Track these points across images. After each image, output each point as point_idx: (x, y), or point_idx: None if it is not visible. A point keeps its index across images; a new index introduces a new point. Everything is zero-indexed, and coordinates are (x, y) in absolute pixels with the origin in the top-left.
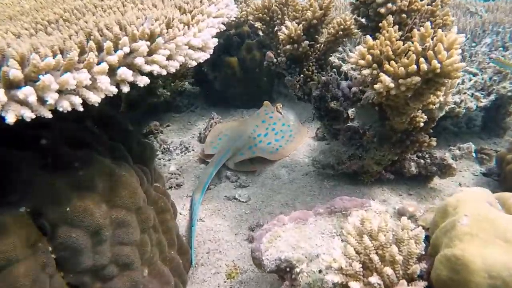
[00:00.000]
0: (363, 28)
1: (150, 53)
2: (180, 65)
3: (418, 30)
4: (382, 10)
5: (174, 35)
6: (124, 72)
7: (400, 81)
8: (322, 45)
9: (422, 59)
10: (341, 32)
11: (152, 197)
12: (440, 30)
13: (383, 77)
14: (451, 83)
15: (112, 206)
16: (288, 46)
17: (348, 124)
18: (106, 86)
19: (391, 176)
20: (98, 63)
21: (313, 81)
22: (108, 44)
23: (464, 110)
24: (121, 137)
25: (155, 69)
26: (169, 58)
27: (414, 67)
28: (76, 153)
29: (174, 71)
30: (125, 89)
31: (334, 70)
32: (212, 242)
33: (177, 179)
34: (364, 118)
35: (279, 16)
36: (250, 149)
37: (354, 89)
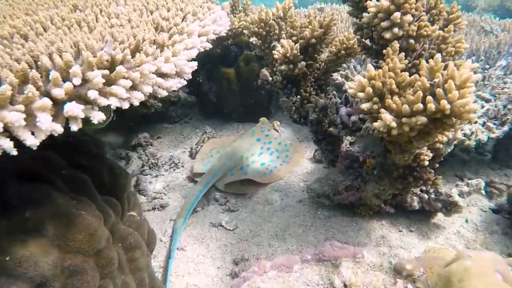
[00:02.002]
0: (366, 50)
1: (110, 83)
2: (149, 95)
3: (427, 57)
4: (387, 35)
5: (140, 61)
6: (72, 108)
7: (404, 120)
8: (323, 64)
9: (429, 97)
10: (344, 52)
11: (120, 233)
12: (451, 61)
13: (384, 115)
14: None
15: (65, 252)
16: (283, 66)
17: (347, 151)
18: (47, 125)
19: (391, 209)
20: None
21: (311, 104)
22: (54, 75)
23: (474, 143)
24: (89, 164)
25: (113, 102)
26: (133, 88)
27: (420, 105)
28: (21, 189)
29: (137, 104)
30: (74, 127)
31: (334, 92)
32: (191, 276)
33: (162, 199)
34: (366, 144)
35: (276, 31)
36: (241, 169)
37: (353, 118)
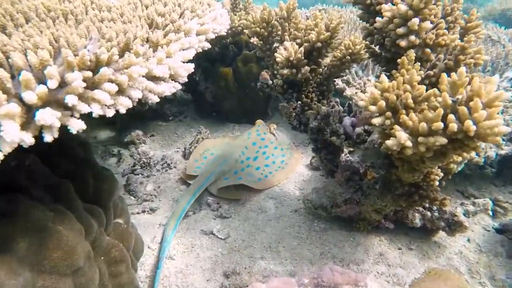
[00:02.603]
0: (375, 56)
1: (93, 86)
2: (138, 101)
3: (443, 68)
4: (403, 43)
5: (129, 63)
6: (44, 116)
7: (420, 139)
8: (325, 69)
9: (451, 116)
10: (349, 57)
11: (103, 246)
12: (476, 76)
13: (399, 132)
14: None
15: (38, 272)
16: (285, 71)
17: (346, 160)
18: (13, 136)
19: (391, 225)
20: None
21: (312, 111)
22: (25, 76)
23: (483, 159)
24: (74, 170)
25: (95, 110)
26: (120, 92)
27: (441, 124)
28: None
29: (124, 111)
30: (48, 137)
31: (337, 100)
32: None
33: (152, 201)
34: (366, 154)
35: (279, 33)
36: (235, 174)
37: (358, 129)
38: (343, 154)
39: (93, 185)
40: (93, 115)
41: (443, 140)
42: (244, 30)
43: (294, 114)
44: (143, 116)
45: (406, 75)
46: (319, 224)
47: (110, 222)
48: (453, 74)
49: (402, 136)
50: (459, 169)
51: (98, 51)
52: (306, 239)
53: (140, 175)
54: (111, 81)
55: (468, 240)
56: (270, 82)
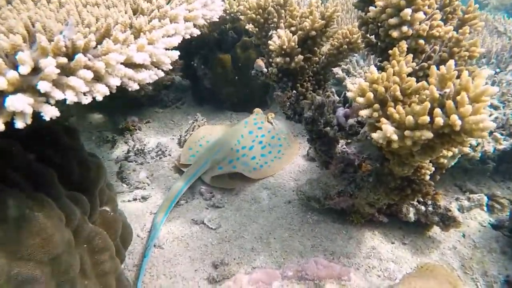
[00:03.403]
0: (371, 46)
1: (68, 73)
2: (118, 87)
3: (437, 60)
4: (395, 33)
5: (107, 49)
6: (14, 102)
7: (406, 133)
8: (323, 58)
9: (438, 110)
10: (346, 46)
11: (86, 234)
12: (465, 69)
13: (385, 125)
14: None
15: (14, 259)
16: (278, 59)
17: (342, 152)
18: None
19: (385, 219)
20: None
21: (307, 100)
22: None
23: (480, 154)
24: (57, 157)
25: (69, 97)
26: (98, 79)
27: (427, 118)
28: None
29: (101, 98)
30: (19, 124)
31: (333, 90)
32: (166, 278)
33: (144, 189)
34: (363, 146)
35: (275, 20)
36: (230, 163)
37: (351, 121)
38: (339, 145)
39: (78, 173)
40: (67, 102)
41: (428, 135)
42: (240, 17)
43: (289, 103)
44: (140, 102)
45: (396, 67)
46: (312, 216)
47: (96, 210)
48: (441, 67)
49: (388, 129)
50: (452, 163)
51: (74, 37)
52: (298, 231)
53: (134, 162)
54: (87, 67)
55: (463, 235)
56: (265, 69)
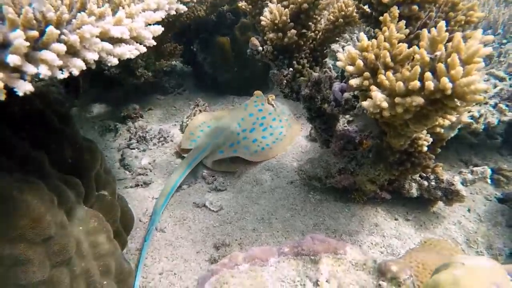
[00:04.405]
0: (365, 17)
1: (43, 46)
2: (97, 62)
3: (433, 26)
4: None
5: (81, 22)
6: None
7: (397, 100)
8: (320, 34)
9: (428, 74)
10: (342, 20)
11: (80, 216)
12: (459, 32)
13: (374, 93)
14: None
15: (6, 241)
16: (271, 35)
17: (343, 130)
18: None
19: (388, 195)
20: None
21: (303, 78)
22: None
23: (483, 126)
24: (49, 140)
25: (43, 71)
26: (74, 54)
27: (417, 83)
28: None
29: (77, 73)
30: None
31: (330, 66)
32: (168, 261)
33: (146, 175)
34: (365, 123)
35: None
36: (231, 146)
37: (346, 94)
38: (340, 123)
39: (72, 156)
40: (41, 76)
41: (419, 100)
42: None
43: (285, 81)
44: (141, 90)
45: (386, 33)
46: (315, 196)
47: (92, 193)
48: (432, 29)
49: (378, 96)
50: (452, 135)
51: (44, 9)
52: (300, 210)
53: (136, 149)
54: (62, 42)
55: (469, 210)
56: (260, 48)
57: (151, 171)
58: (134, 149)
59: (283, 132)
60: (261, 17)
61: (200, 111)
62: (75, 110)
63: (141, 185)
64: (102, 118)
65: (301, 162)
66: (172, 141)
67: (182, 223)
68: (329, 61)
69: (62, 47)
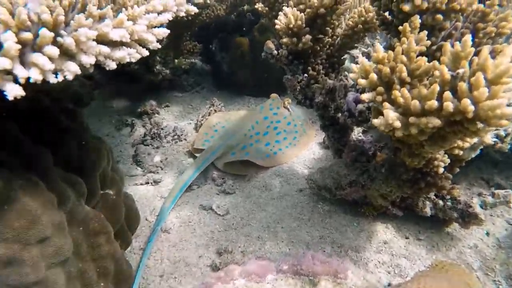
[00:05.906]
0: (385, 25)
1: (37, 49)
2: (95, 65)
3: (459, 38)
4: (407, 7)
5: (78, 24)
6: None
7: (411, 119)
8: (338, 39)
9: (448, 93)
10: (361, 26)
11: (81, 217)
12: (487, 46)
13: (387, 110)
14: None
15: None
16: (286, 39)
17: (357, 140)
18: None
19: (399, 212)
20: None
21: (318, 85)
22: None
23: (509, 146)
24: (55, 138)
25: (33, 75)
26: (70, 57)
27: (434, 103)
28: None
29: (71, 77)
30: None
31: (346, 73)
32: (170, 263)
33: (157, 173)
34: (381, 136)
35: None
36: (243, 149)
37: (360, 106)
38: (355, 132)
39: (77, 154)
40: (31, 80)
41: (436, 122)
42: None
43: (299, 87)
44: (159, 86)
45: (404, 45)
46: (323, 206)
47: (95, 193)
48: (456, 43)
49: (390, 115)
50: (473, 155)
51: (39, 10)
52: (307, 221)
53: (150, 145)
54: (60, 45)
55: (487, 233)
56: (275, 52)
57: (162, 169)
58: (148, 145)
59: (297, 137)
60: (276, 21)
61: (215, 111)
62: (95, 103)
63: (151, 183)
64: (121, 113)
65: (313, 170)
66: (185, 139)
67: (187, 225)
68: (347, 64)
69: (55, 51)
